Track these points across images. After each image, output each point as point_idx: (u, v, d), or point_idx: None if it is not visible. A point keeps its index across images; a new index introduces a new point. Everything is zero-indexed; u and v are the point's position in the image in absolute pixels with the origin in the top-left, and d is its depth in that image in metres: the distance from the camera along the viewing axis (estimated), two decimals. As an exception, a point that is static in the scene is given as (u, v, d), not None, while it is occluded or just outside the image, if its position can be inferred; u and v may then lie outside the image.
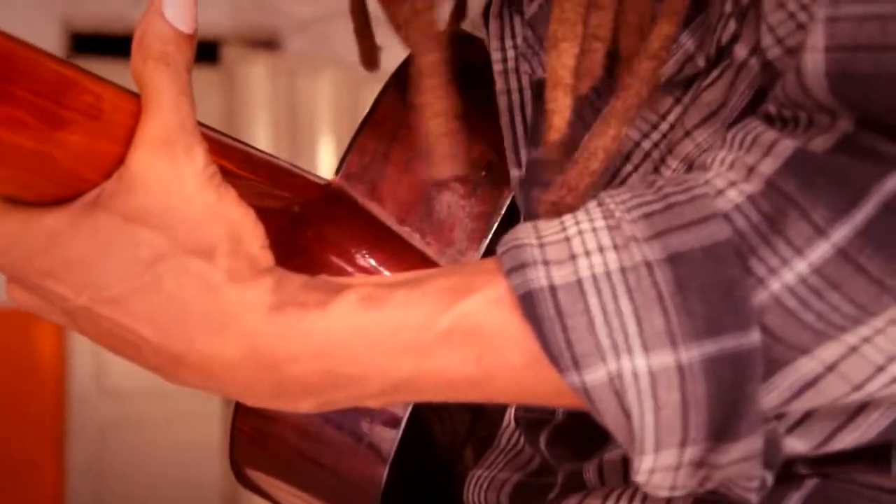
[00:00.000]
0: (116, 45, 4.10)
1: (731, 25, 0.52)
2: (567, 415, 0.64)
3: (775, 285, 0.44)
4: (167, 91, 0.49)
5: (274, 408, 0.50)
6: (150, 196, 0.47)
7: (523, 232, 0.48)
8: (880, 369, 0.45)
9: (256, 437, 0.67)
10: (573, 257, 0.46)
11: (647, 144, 0.55)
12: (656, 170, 0.55)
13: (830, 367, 0.45)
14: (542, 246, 0.47)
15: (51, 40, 3.82)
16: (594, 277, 0.45)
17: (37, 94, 0.45)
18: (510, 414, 0.70)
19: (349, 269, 0.63)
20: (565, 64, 0.48)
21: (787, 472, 0.52)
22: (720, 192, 0.45)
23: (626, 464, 0.59)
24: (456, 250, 0.65)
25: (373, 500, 0.64)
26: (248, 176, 0.57)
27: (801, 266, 0.43)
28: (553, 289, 0.45)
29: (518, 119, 0.63)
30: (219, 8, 3.91)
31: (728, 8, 0.52)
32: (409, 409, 0.63)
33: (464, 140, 0.52)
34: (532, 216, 0.61)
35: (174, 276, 0.47)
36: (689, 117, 0.54)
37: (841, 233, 0.43)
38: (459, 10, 0.69)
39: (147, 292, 0.48)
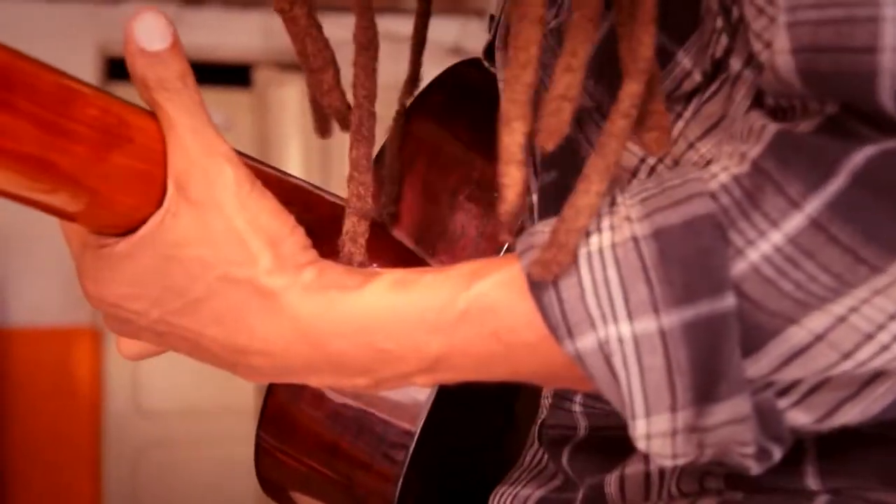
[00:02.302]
0: (151, 69, 4.14)
1: (724, 40, 0.54)
2: (589, 430, 0.65)
3: (753, 255, 0.46)
4: (178, 117, 0.52)
5: (337, 386, 0.55)
6: (192, 222, 0.52)
7: (543, 222, 0.52)
8: (869, 337, 0.47)
9: (278, 447, 0.69)
10: None
11: (651, 160, 0.58)
12: None
13: (819, 337, 0.47)
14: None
15: (87, 66, 3.87)
16: (588, 254, 0.49)
17: (36, 105, 0.47)
18: (534, 432, 0.71)
19: None
20: (516, 141, 0.51)
21: (797, 487, 0.52)
22: (713, 176, 0.48)
23: (647, 477, 0.60)
24: None
25: None
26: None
27: (776, 237, 0.46)
28: None
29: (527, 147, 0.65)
30: (251, 32, 3.95)
31: (719, 24, 0.54)
32: (420, 426, 0.64)
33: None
34: None
35: (224, 284, 0.52)
36: (691, 130, 0.57)
37: (813, 205, 0.45)
38: (413, 81, 0.72)
39: (205, 301, 0.53)
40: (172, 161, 0.52)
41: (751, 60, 0.52)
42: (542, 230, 0.51)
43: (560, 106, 0.50)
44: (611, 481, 0.61)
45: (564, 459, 0.65)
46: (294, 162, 3.87)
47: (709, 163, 0.53)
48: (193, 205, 0.52)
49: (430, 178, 0.69)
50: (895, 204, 0.44)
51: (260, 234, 0.52)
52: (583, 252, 0.49)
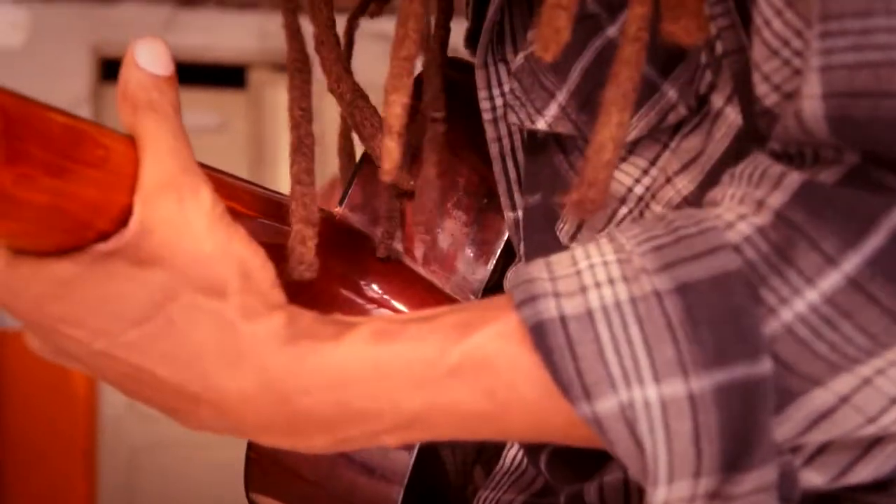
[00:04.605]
0: (145, 70, 4.14)
1: (708, 76, 0.53)
2: None
3: (787, 315, 0.44)
4: (161, 137, 0.49)
5: (289, 446, 0.50)
6: (160, 240, 0.47)
7: (535, 267, 0.49)
8: (894, 401, 0.45)
9: (269, 463, 0.68)
10: (584, 289, 0.46)
11: (639, 189, 0.57)
12: (641, 214, 0.56)
13: (845, 399, 0.45)
14: (553, 279, 0.47)
15: (81, 67, 3.87)
16: (604, 308, 0.46)
17: (48, 151, 0.45)
18: None
19: (357, 300, 0.64)
20: (394, 113, 0.51)
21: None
22: (730, 225, 0.46)
23: (627, 486, 0.59)
24: (461, 277, 0.66)
25: None
26: (255, 215, 0.58)
27: (812, 295, 0.44)
28: (563, 319, 0.46)
29: (510, 164, 0.65)
30: (246, 33, 3.94)
31: (704, 59, 0.53)
32: None
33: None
34: (532, 257, 0.63)
35: (187, 315, 0.48)
36: (670, 164, 0.55)
37: (851, 262, 0.43)
38: (445, 30, 0.71)
39: (162, 334, 0.48)
40: (146, 177, 0.48)
41: (732, 98, 0.50)
42: (540, 276, 0.48)
43: (554, 13, 0.48)
44: (590, 490, 0.60)
45: (542, 464, 0.64)
46: (288, 163, 3.86)
47: (689, 203, 0.52)
48: (163, 226, 0.48)
49: (417, 187, 0.68)
50: None
51: (231, 261, 0.48)
52: (597, 305, 0.45)
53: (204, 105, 4.04)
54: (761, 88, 0.49)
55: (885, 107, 0.42)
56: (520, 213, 0.65)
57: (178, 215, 0.48)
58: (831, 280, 0.43)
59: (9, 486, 3.72)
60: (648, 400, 0.44)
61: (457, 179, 0.69)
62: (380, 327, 0.48)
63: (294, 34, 0.63)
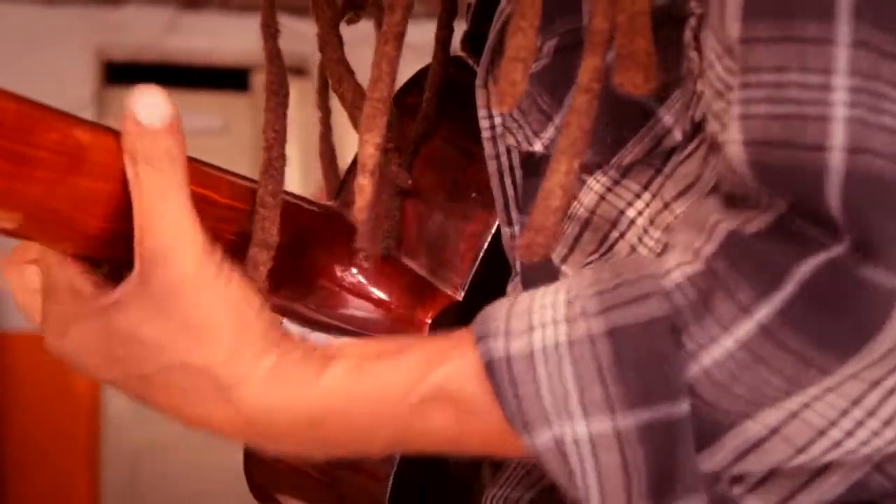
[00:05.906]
0: (150, 73, 4.15)
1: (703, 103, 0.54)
2: None
3: (705, 360, 0.48)
4: (153, 197, 0.52)
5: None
6: (150, 308, 0.52)
7: (501, 303, 0.53)
8: (821, 433, 0.48)
9: (268, 459, 0.69)
10: (531, 329, 0.51)
11: (631, 213, 0.59)
12: (640, 239, 0.58)
13: (774, 431, 0.48)
14: (508, 317, 0.51)
15: (85, 69, 3.88)
16: (545, 349, 0.50)
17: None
18: None
19: (342, 292, 0.66)
20: (367, 153, 0.55)
21: None
22: (668, 272, 0.49)
23: None
24: (448, 270, 0.68)
25: None
26: (236, 205, 0.59)
27: (728, 342, 0.47)
28: (509, 359, 0.50)
29: (508, 181, 0.66)
30: (249, 36, 3.95)
31: (699, 87, 0.55)
32: None
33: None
34: (528, 274, 0.65)
35: (178, 371, 0.53)
36: (667, 190, 0.57)
37: (763, 312, 0.46)
38: (445, 43, 0.73)
39: (157, 378, 0.54)
40: (139, 239, 0.52)
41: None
42: (499, 314, 0.51)
43: (511, 66, 0.51)
44: None
45: None
46: (291, 165, 3.87)
47: (665, 248, 0.54)
48: (154, 290, 0.52)
49: (410, 184, 0.69)
50: (841, 313, 0.45)
51: (218, 323, 0.52)
52: (539, 346, 0.50)
53: (207, 107, 4.05)
54: (712, 126, 0.51)
55: (797, 157, 0.46)
56: (516, 229, 0.66)
57: (166, 285, 0.52)
58: (745, 328, 0.47)
59: (11, 486, 3.72)
60: (577, 435, 0.49)
61: (447, 174, 0.69)
62: (354, 364, 0.53)
63: (273, 58, 0.66)
